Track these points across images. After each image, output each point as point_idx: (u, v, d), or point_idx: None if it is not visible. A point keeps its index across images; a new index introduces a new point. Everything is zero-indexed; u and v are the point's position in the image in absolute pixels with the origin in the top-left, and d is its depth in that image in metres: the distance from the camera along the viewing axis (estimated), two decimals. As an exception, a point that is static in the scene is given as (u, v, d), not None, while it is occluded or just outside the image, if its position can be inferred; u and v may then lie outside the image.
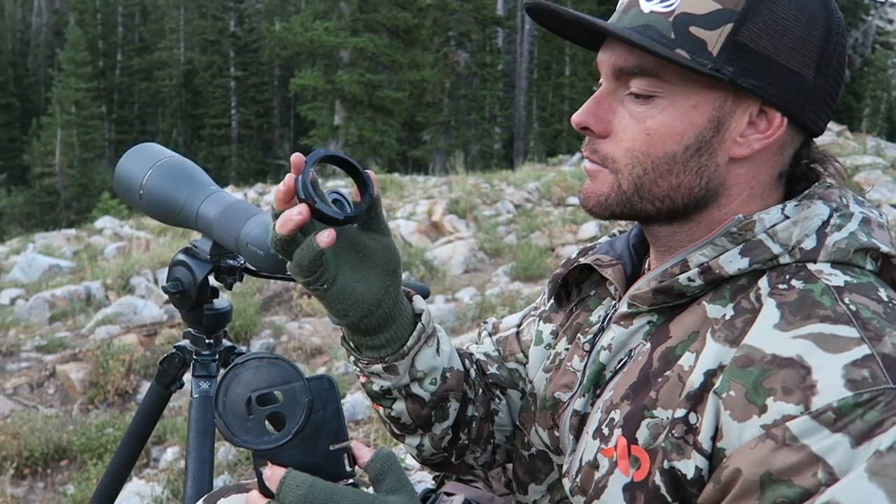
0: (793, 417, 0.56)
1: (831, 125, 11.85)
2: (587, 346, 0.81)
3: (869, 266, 0.66)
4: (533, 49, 28.07)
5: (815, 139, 0.72)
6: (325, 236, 0.67)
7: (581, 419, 0.77)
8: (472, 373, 0.91)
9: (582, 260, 0.86)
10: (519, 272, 6.02)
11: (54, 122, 23.71)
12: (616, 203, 0.71)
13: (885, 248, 0.66)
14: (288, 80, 22.25)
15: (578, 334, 0.84)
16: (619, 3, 0.71)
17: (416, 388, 0.80)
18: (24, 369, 4.24)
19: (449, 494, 1.33)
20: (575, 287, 0.89)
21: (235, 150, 27.67)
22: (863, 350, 0.58)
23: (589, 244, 0.91)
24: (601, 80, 0.73)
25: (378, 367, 0.77)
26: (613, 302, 0.82)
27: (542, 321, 0.93)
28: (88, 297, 5.64)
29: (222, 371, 0.68)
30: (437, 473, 1.46)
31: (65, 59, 24.36)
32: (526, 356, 0.96)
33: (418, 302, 0.80)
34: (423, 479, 1.93)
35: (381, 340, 0.76)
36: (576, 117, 0.71)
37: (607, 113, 0.70)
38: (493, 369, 0.97)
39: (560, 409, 0.82)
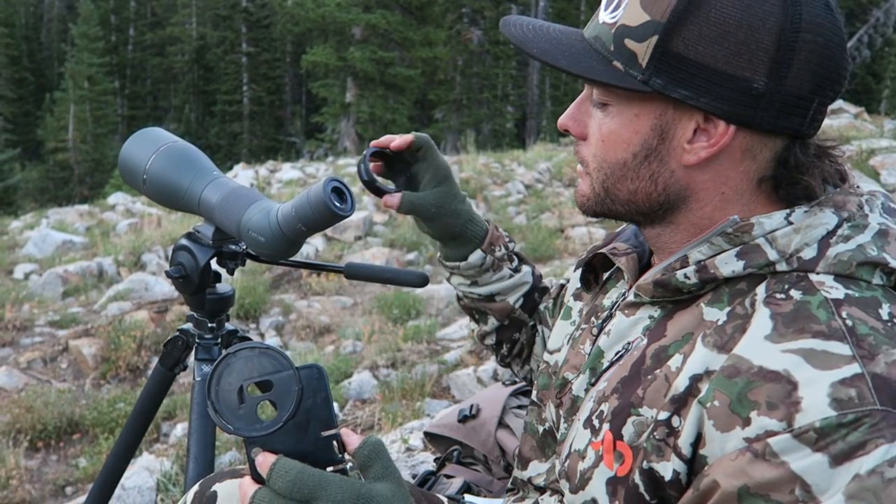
0: (775, 434, 0.56)
1: (848, 107, 11.67)
2: (595, 331, 0.82)
3: (877, 280, 0.64)
4: (547, 26, 27.68)
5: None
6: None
7: (573, 401, 0.78)
8: (529, 307, 1.06)
9: (601, 249, 0.88)
10: (528, 253, 6.02)
11: (67, 97, 23.76)
12: (595, 204, 0.76)
13: (894, 264, 0.64)
14: (300, 57, 22.14)
15: (592, 317, 0.85)
16: None
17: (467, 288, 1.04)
18: (37, 344, 4.31)
19: (449, 477, 1.35)
20: (602, 270, 0.91)
21: (247, 127, 27.64)
22: (853, 368, 0.57)
23: (619, 228, 0.93)
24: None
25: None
26: (622, 291, 0.83)
27: (573, 297, 0.95)
28: (101, 273, 5.70)
29: (198, 377, 0.70)
30: (437, 456, 1.48)
31: (77, 34, 24.34)
32: (555, 306, 1.04)
33: (472, 256, 1.01)
34: (425, 461, 1.95)
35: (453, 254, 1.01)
36: (559, 120, 0.76)
37: (585, 116, 0.74)
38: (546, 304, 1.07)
39: (566, 388, 0.84)
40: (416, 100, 22.31)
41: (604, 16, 0.70)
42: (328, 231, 6.59)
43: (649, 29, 0.65)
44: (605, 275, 0.90)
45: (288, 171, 10.45)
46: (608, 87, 0.69)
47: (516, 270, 1.05)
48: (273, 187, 9.60)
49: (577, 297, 0.95)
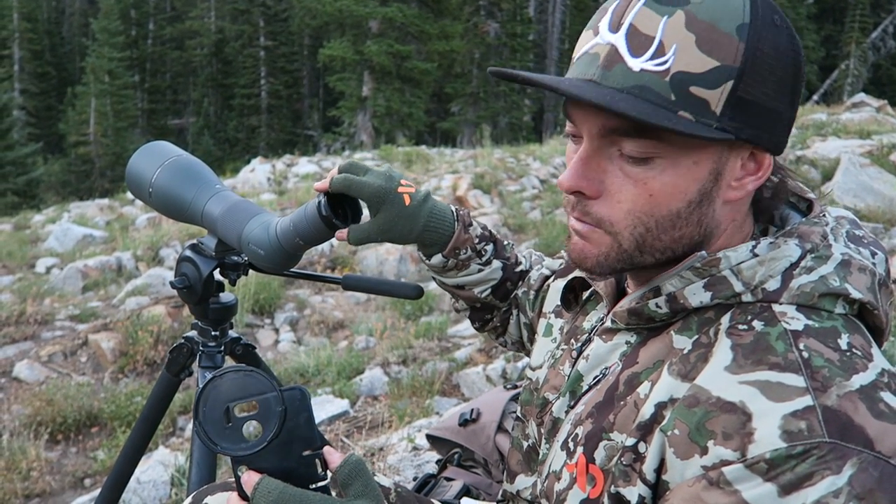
0: (729, 463, 0.58)
1: (870, 100, 11.46)
2: (575, 354, 0.83)
3: (839, 310, 0.65)
4: (565, 18, 27.54)
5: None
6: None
7: (554, 423, 0.80)
8: (502, 291, 1.08)
9: (577, 273, 0.89)
10: (542, 248, 6.02)
11: (88, 91, 24.04)
12: (616, 261, 0.70)
13: (855, 295, 0.65)
14: (317, 50, 22.20)
15: (572, 339, 0.86)
16: (586, 53, 0.67)
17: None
18: (58, 338, 4.40)
19: (449, 480, 1.38)
20: (581, 290, 0.91)
21: (265, 121, 27.79)
22: (805, 401, 0.58)
23: None
24: (572, 129, 0.70)
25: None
26: (601, 315, 0.84)
27: (554, 315, 0.96)
28: (119, 267, 5.80)
29: (201, 384, 0.73)
30: (438, 458, 1.50)
31: (98, 29, 24.60)
32: (537, 299, 1.06)
33: (433, 258, 1.03)
34: (430, 460, 1.98)
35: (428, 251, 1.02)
36: (566, 182, 0.68)
37: (598, 173, 0.68)
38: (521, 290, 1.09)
39: (546, 408, 0.85)
40: (433, 93, 22.28)
41: (638, 63, 0.63)
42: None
43: (723, 75, 0.62)
44: (585, 294, 0.91)
45: (304, 165, 10.51)
46: (692, 137, 0.63)
47: (486, 264, 1.05)
48: (290, 181, 9.67)
49: (557, 314, 0.96)
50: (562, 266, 1.03)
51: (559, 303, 0.95)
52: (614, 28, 0.65)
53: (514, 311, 1.11)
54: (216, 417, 0.66)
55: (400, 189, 0.94)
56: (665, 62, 0.62)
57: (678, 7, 0.63)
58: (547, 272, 1.08)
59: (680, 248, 0.69)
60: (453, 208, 1.03)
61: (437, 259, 1.01)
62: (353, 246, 0.93)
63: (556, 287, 0.99)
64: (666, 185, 0.66)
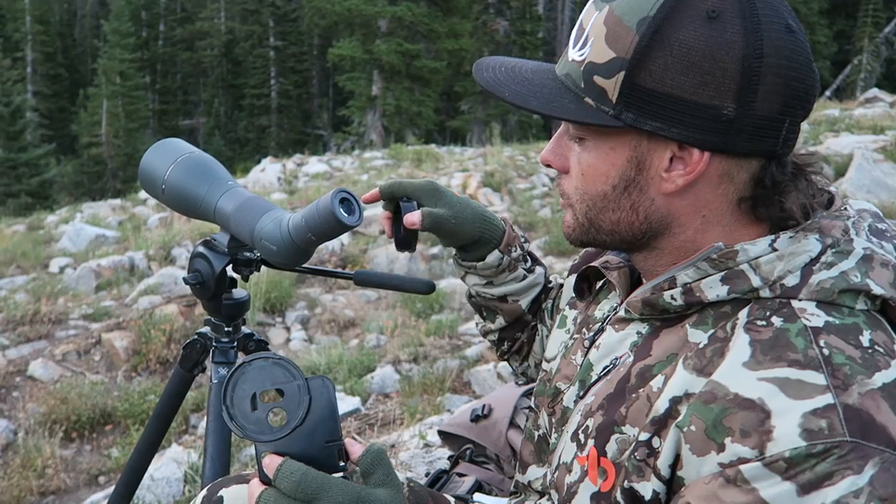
0: (747, 461, 0.57)
1: (883, 95, 11.34)
2: (587, 343, 0.83)
3: (860, 306, 0.64)
4: (575, 15, 27.45)
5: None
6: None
7: (563, 412, 0.80)
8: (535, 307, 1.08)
9: (593, 262, 0.89)
10: (552, 246, 6.01)
11: (100, 92, 24.23)
12: (580, 234, 0.77)
13: (877, 291, 0.64)
14: (327, 50, 22.25)
15: (584, 328, 0.86)
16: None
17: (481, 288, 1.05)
18: (72, 337, 4.44)
19: (461, 475, 1.38)
20: (595, 279, 0.92)
21: (275, 121, 27.90)
22: (826, 399, 0.57)
23: None
24: None
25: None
26: (614, 304, 0.84)
27: (569, 306, 0.97)
28: (132, 267, 5.84)
29: (215, 379, 0.74)
30: (450, 454, 1.51)
31: (109, 30, 24.77)
32: (554, 307, 1.05)
33: (490, 256, 1.01)
34: (442, 457, 1.98)
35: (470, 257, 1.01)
36: (541, 155, 0.78)
37: (565, 150, 0.76)
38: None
39: (558, 398, 0.85)
40: (442, 91, 22.28)
41: (573, 53, 0.71)
42: (353, 225, 6.63)
43: (616, 65, 0.66)
44: (599, 284, 0.91)
45: (315, 164, 10.55)
46: (574, 122, 0.70)
47: (530, 271, 1.06)
48: (300, 181, 9.70)
49: (571, 305, 0.96)
50: (575, 262, 1.03)
51: (572, 294, 0.95)
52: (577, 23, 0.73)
53: (539, 328, 1.09)
54: (243, 404, 0.67)
55: None
56: (584, 53, 0.70)
57: (608, 3, 0.69)
58: (562, 280, 1.08)
59: (624, 232, 0.73)
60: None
61: (494, 256, 0.99)
62: (396, 238, 0.97)
63: (569, 283, 0.99)
64: (591, 166, 0.72)
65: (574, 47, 0.72)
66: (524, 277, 1.05)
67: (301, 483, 0.64)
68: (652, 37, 0.64)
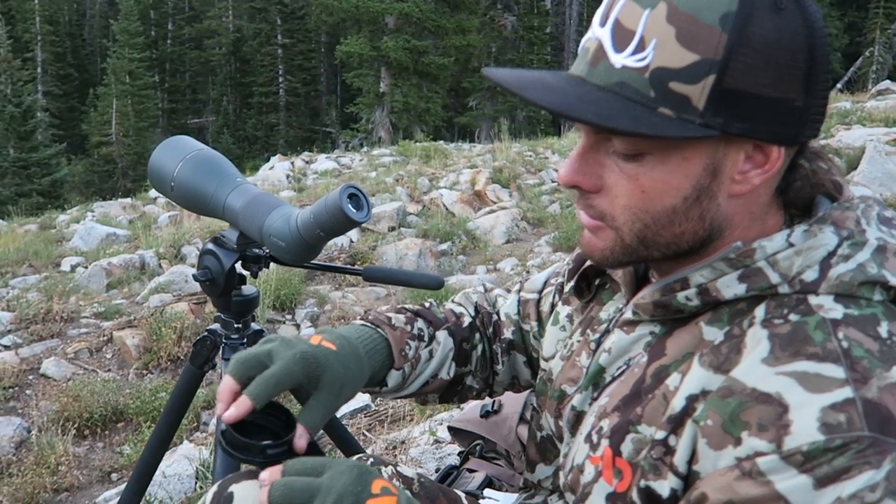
0: (764, 454, 0.57)
1: (892, 86, 11.24)
2: (593, 345, 0.82)
3: (877, 297, 0.63)
4: (582, 10, 27.34)
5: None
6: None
7: (577, 416, 0.79)
8: (479, 349, 1.01)
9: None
10: (561, 242, 6.00)
11: (110, 92, 24.37)
12: (622, 254, 0.70)
13: (893, 281, 0.63)
14: (334, 47, 22.28)
15: (588, 330, 0.85)
16: (582, 47, 0.67)
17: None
18: (83, 335, 4.47)
19: (471, 471, 1.38)
20: (594, 277, 0.89)
21: (283, 118, 27.97)
22: (845, 392, 0.57)
23: None
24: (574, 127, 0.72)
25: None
26: (619, 305, 0.83)
27: (561, 302, 0.94)
28: (143, 265, 5.87)
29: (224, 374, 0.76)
30: (461, 450, 1.51)
31: (118, 30, 24.90)
32: (541, 326, 0.99)
33: (390, 379, 0.91)
34: (452, 453, 1.98)
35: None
36: (563, 176, 0.68)
37: (595, 168, 0.67)
38: (507, 333, 1.03)
39: (565, 401, 0.84)
40: (450, 88, 22.27)
41: (621, 58, 0.62)
42: (362, 222, 6.65)
43: (703, 68, 0.60)
44: (597, 281, 0.88)
45: (323, 161, 10.56)
46: (662, 139, 0.62)
47: (430, 342, 0.95)
48: (309, 178, 9.72)
49: (565, 301, 0.93)
50: (570, 266, 0.97)
51: (566, 290, 0.93)
52: (603, 22, 0.64)
53: (505, 359, 1.02)
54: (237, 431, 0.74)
55: (314, 341, 0.81)
56: (645, 58, 0.61)
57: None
58: (530, 296, 1.02)
59: (685, 244, 0.68)
60: (358, 320, 0.93)
61: (397, 377, 0.90)
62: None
63: (554, 282, 0.97)
64: (657, 182, 0.64)
65: (620, 52, 0.62)
66: (428, 359, 0.95)
67: (307, 461, 0.68)
68: (739, 34, 0.59)
